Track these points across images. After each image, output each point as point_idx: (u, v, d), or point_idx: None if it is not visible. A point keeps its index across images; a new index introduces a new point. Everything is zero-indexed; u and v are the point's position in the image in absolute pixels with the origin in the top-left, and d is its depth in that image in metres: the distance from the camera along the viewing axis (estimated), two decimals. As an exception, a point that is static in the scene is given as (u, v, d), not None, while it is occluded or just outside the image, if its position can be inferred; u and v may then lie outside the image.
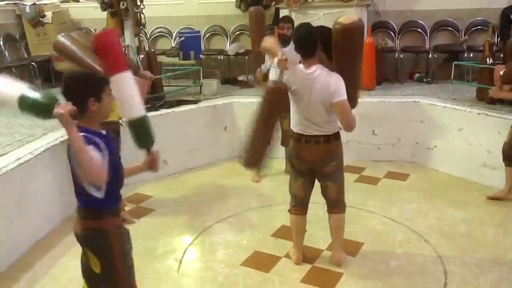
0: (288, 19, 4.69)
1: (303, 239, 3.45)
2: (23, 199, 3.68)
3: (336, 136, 3.13)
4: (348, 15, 2.90)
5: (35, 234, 3.81)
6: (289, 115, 4.75)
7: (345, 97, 2.94)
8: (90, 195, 2.08)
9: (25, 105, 2.09)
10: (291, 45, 4.47)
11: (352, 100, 3.08)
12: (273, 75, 4.73)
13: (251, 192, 4.74)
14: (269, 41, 3.37)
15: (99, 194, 2.09)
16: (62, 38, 3.76)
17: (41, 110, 2.07)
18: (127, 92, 2.26)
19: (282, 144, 4.93)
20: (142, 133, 2.31)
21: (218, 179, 5.11)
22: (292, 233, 3.43)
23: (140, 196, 4.63)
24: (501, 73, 4.01)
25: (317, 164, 3.14)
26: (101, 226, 2.18)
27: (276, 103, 3.10)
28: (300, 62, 3.13)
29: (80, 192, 2.13)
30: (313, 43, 3.02)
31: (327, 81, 2.96)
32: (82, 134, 1.98)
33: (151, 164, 2.35)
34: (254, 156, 3.23)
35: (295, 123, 3.17)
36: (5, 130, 4.67)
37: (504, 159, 4.15)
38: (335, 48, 3.04)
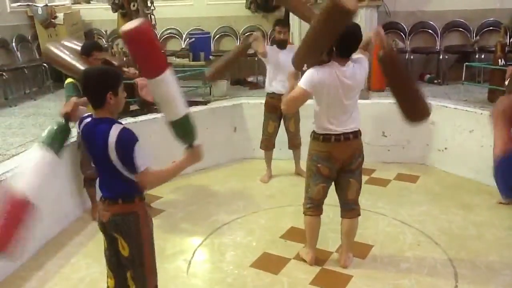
0: (285, 23, 4.60)
1: (317, 239, 3.43)
2: (34, 199, 3.70)
3: (360, 132, 3.15)
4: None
5: (46, 234, 3.84)
6: (294, 118, 4.77)
7: None
8: (125, 180, 2.24)
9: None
10: (289, 50, 4.49)
11: None
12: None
13: (260, 193, 4.75)
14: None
15: (133, 176, 2.25)
16: (50, 46, 3.86)
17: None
18: (171, 92, 2.19)
19: (289, 147, 4.95)
20: (187, 130, 2.32)
21: (227, 180, 5.12)
22: (307, 234, 3.41)
23: (150, 196, 4.63)
24: (506, 82, 3.91)
25: (348, 162, 3.12)
26: (132, 209, 2.31)
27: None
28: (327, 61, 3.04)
29: (113, 180, 2.27)
30: (358, 44, 3.03)
31: (363, 65, 3.08)
32: (117, 123, 2.20)
33: (195, 157, 2.38)
34: None
35: (322, 125, 3.08)
36: (18, 131, 4.73)
37: None
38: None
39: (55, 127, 2.28)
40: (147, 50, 2.09)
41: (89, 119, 2.31)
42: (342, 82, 2.97)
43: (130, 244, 2.32)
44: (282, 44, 4.59)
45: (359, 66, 3.05)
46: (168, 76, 2.15)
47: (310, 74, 2.98)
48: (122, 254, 2.35)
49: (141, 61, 2.16)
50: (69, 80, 3.82)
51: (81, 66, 3.70)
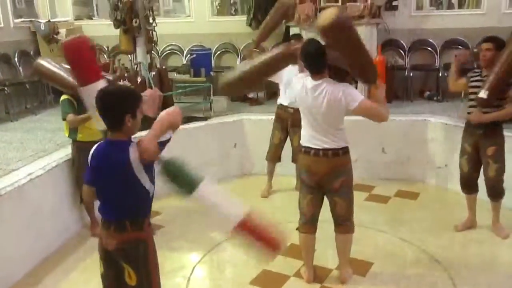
0: (299, 38, 4.70)
1: (313, 257, 3.42)
2: (33, 214, 3.70)
3: (345, 150, 3.14)
4: (325, 13, 2.78)
5: (44, 249, 3.82)
6: (299, 132, 4.77)
7: (360, 98, 2.99)
8: (137, 198, 2.19)
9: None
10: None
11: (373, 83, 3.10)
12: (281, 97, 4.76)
13: (261, 210, 4.69)
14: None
15: (151, 188, 2.21)
16: (42, 61, 3.85)
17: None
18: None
19: (292, 161, 4.94)
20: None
21: (227, 196, 5.09)
22: (302, 252, 3.41)
23: (149, 212, 4.63)
24: (484, 95, 3.63)
25: (326, 178, 3.13)
26: (141, 236, 2.25)
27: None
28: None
29: (125, 200, 2.19)
30: (321, 59, 3.02)
31: (334, 92, 2.97)
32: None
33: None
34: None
35: (304, 137, 3.19)
36: (18, 145, 4.73)
37: (463, 187, 4.07)
38: (332, 48, 3.02)
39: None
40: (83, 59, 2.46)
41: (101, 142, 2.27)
42: (307, 95, 3.04)
43: (138, 273, 2.24)
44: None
45: (330, 92, 2.98)
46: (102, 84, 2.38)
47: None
48: (129, 283, 2.27)
49: (77, 69, 2.49)
50: (64, 96, 3.83)
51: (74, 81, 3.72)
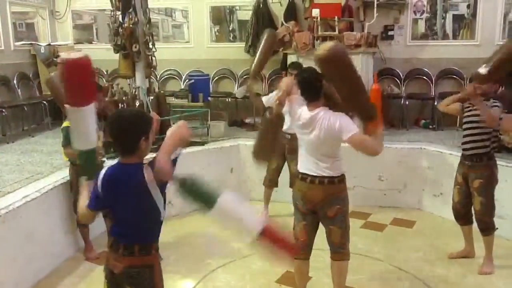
0: (296, 66, 4.73)
1: (306, 284, 3.38)
2: (27, 237, 3.67)
3: (341, 179, 3.13)
4: (324, 45, 2.76)
5: (37, 274, 3.77)
6: (296, 158, 4.78)
7: (354, 131, 2.93)
8: (153, 222, 2.24)
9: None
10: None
11: (368, 120, 2.97)
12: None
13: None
14: (286, 81, 3.24)
15: (164, 212, 2.23)
16: (56, 77, 3.87)
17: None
18: (88, 124, 2.30)
19: (290, 186, 4.93)
20: (88, 163, 2.39)
21: (223, 222, 5.07)
22: (296, 279, 3.36)
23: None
24: (483, 70, 3.57)
25: (320, 206, 3.11)
26: (149, 261, 2.24)
27: (271, 130, 3.22)
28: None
29: (140, 225, 2.21)
30: (317, 87, 3.05)
31: (331, 121, 2.98)
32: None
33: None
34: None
35: (301, 164, 3.19)
36: (14, 167, 4.72)
37: (456, 218, 4.04)
38: (329, 80, 2.99)
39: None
40: (81, 81, 2.24)
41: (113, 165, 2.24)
42: (304, 124, 3.06)
43: None
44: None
45: (327, 121, 2.99)
46: (91, 109, 2.29)
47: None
48: None
49: (72, 89, 2.27)
50: (66, 123, 3.82)
51: None
